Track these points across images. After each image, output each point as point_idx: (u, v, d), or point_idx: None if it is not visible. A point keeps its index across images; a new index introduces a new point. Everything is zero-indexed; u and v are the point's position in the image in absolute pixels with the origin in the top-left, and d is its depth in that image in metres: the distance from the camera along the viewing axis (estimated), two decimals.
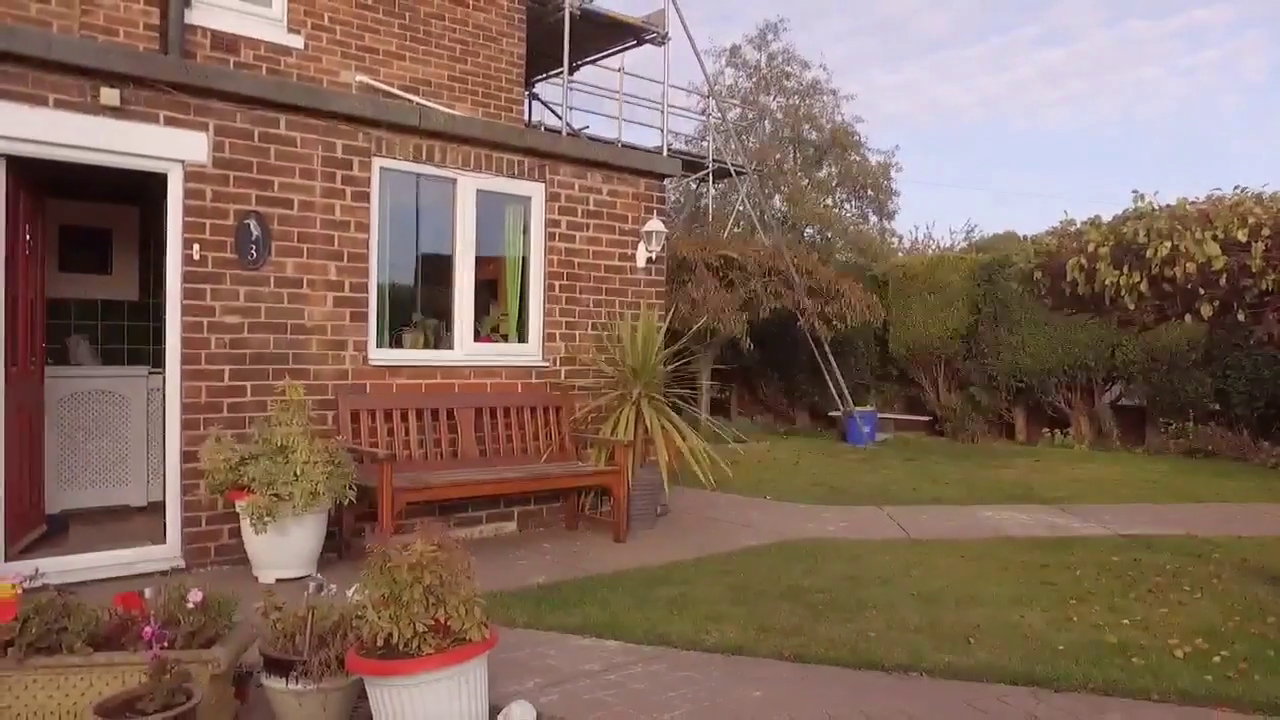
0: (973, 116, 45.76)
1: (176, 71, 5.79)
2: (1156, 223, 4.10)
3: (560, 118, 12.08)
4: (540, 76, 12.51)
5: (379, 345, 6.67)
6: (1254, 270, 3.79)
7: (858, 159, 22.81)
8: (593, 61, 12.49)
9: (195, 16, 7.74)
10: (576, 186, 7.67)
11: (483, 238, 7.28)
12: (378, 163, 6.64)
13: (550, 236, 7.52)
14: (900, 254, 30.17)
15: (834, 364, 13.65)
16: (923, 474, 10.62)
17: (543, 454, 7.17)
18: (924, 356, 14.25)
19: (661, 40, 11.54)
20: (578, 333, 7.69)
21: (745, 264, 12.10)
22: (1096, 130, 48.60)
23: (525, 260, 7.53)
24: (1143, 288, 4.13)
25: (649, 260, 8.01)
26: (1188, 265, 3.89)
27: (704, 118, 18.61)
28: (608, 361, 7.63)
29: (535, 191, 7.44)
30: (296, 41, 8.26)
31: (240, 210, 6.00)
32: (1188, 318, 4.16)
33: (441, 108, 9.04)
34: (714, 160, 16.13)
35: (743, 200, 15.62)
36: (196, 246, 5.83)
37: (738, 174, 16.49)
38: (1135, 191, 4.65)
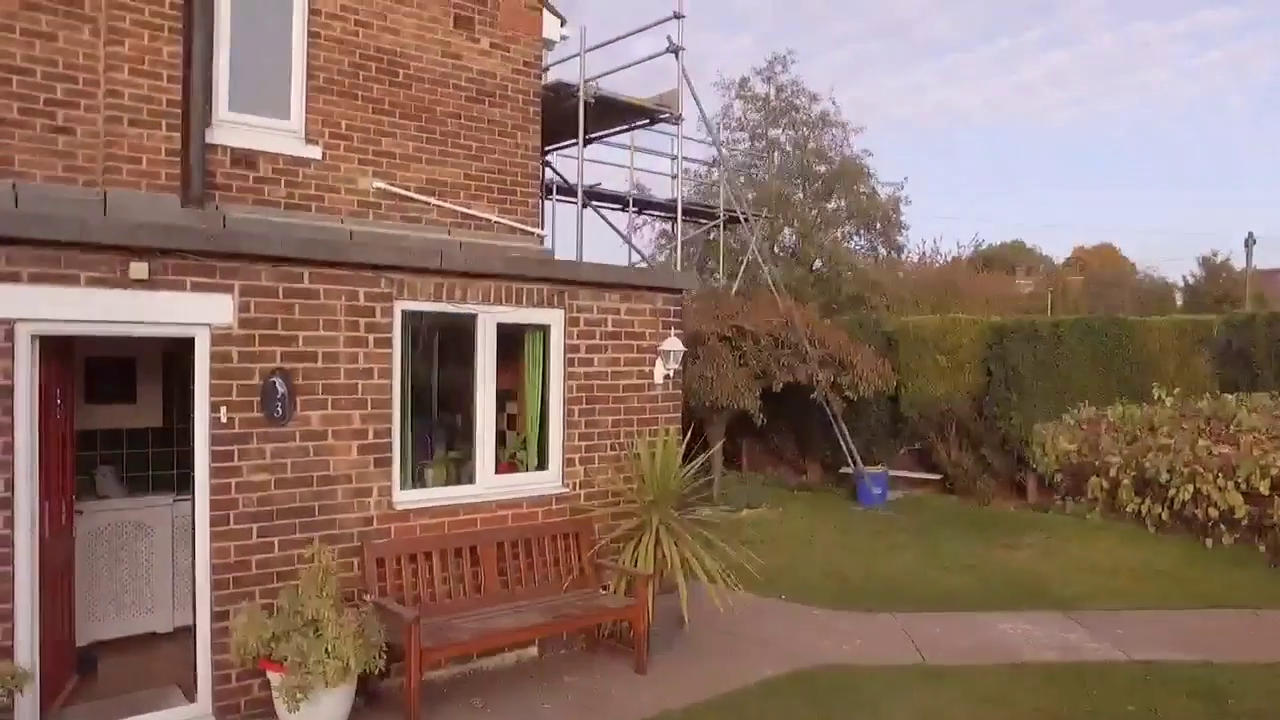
0: (980, 119, 45.65)
1: (204, 240, 5.85)
2: (1178, 461, 4.18)
3: (576, 189, 12.11)
4: (554, 147, 12.54)
5: (403, 487, 6.74)
6: (1275, 519, 3.87)
7: (866, 192, 22.82)
8: (606, 136, 12.52)
9: (215, 135, 7.79)
10: (595, 309, 7.73)
11: (502, 364, 7.35)
12: (399, 306, 6.71)
13: (569, 362, 7.58)
14: (910, 266, 30.12)
15: (844, 426, 13.70)
16: (934, 555, 10.70)
17: (564, 581, 7.26)
18: (935, 417, 14.31)
19: (675, 120, 11.57)
20: (597, 455, 7.76)
21: (758, 335, 12.14)
22: (1103, 131, 48.50)
23: (544, 385, 7.60)
24: (1164, 515, 4.22)
25: (666, 377, 8.07)
26: (1209, 509, 3.98)
27: (714, 166, 18.61)
28: (626, 482, 7.70)
29: (555, 319, 7.50)
30: (314, 152, 8.31)
31: (266, 369, 6.07)
32: (1208, 542, 4.25)
33: (458, 207, 9.13)
34: (725, 210, 16.17)
35: (752, 249, 15.64)
36: (224, 409, 5.91)
37: (745, 222, 16.51)
38: (1156, 384, 4.69)
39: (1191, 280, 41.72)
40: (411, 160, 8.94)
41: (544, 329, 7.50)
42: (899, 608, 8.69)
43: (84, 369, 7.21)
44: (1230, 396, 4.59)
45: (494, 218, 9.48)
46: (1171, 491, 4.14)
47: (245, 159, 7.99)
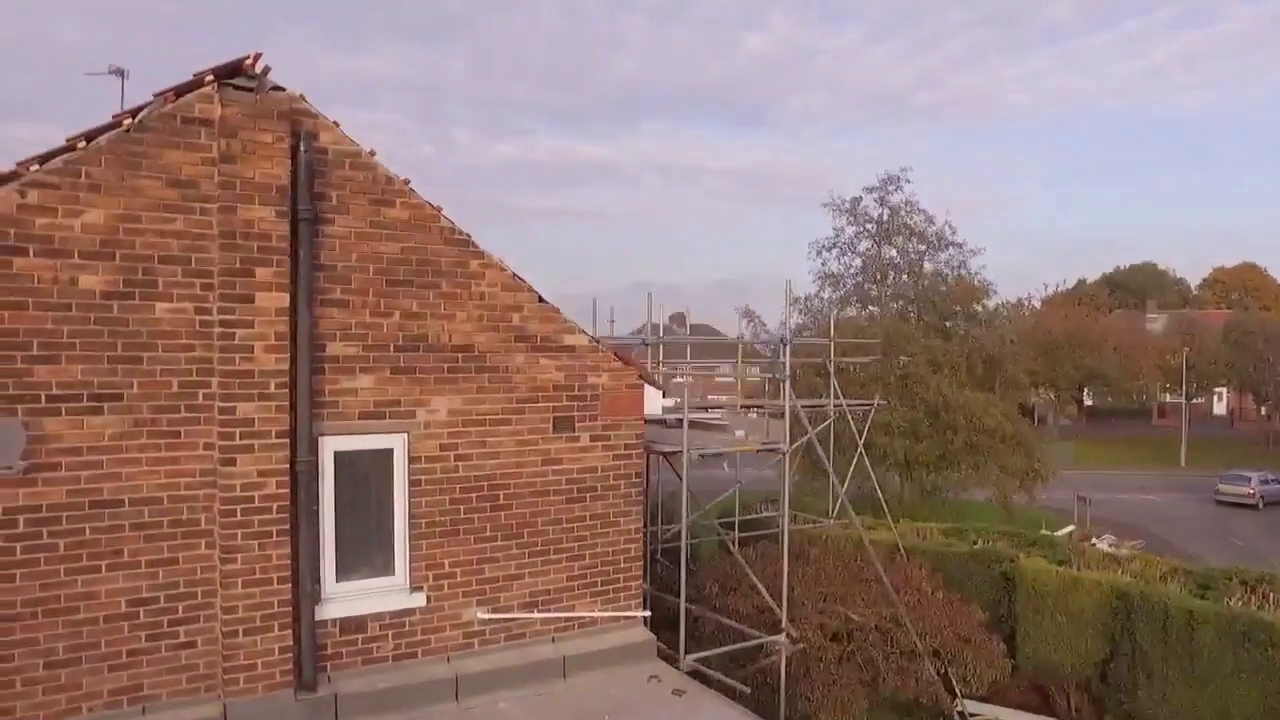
0: (1103, 106, 42.54)
1: None
2: None
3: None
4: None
5: None
6: None
7: (985, 317, 21.66)
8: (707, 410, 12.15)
9: (324, 611, 7.96)
10: None
11: None
12: None
13: None
14: (1036, 305, 28.52)
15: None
16: None
17: None
18: (1054, 674, 13.70)
19: (779, 415, 11.17)
20: None
21: (866, 628, 11.83)
22: (1242, 114, 44.50)
23: None
24: None
25: None
26: None
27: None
28: None
29: None
30: (419, 600, 8.41)
31: None
32: None
33: (560, 614, 9.13)
34: (834, 403, 15.65)
35: (859, 447, 15.11)
36: None
37: (854, 411, 15.96)
38: None
39: None
40: (514, 579, 8.94)
41: None
42: None
43: None
44: None
45: (596, 613, 9.44)
46: None
47: (354, 624, 8.15)
